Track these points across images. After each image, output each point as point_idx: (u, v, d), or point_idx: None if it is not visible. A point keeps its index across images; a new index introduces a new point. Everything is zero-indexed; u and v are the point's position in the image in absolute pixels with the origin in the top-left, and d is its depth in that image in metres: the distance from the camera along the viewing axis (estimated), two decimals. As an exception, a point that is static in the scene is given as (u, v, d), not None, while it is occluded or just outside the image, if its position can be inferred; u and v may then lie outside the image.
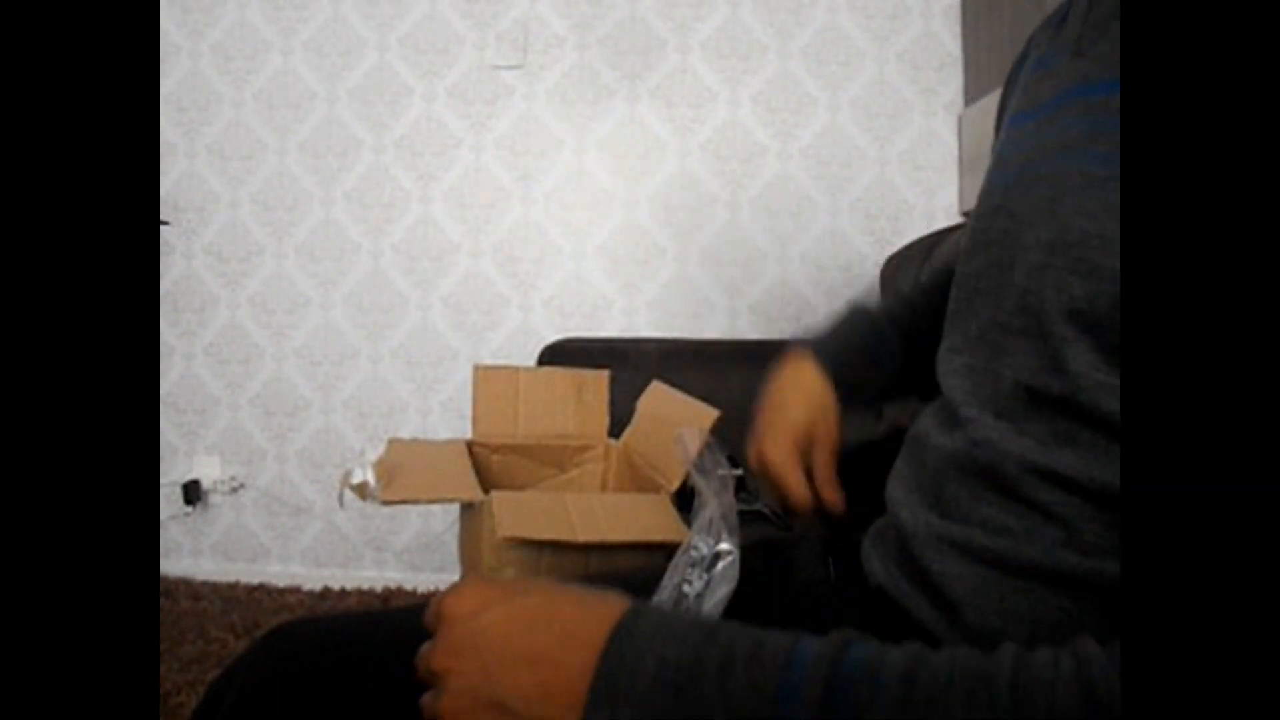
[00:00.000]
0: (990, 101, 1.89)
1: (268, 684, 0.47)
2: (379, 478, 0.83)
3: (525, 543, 0.78)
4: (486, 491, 0.86)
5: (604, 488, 1.13)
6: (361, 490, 0.83)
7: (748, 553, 0.55)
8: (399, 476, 0.85)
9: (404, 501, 0.84)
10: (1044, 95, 0.55)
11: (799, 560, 0.64)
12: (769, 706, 0.32)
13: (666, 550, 0.79)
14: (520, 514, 0.79)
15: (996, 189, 0.56)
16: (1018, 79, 0.65)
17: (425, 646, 0.41)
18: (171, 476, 2.21)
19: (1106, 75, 0.47)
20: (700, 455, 0.63)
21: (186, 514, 2.20)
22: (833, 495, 0.66)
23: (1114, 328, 0.41)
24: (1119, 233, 0.41)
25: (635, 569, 0.70)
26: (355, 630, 0.50)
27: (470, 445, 1.05)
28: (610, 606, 0.38)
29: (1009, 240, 0.51)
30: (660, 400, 1.13)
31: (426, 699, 0.40)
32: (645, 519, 0.80)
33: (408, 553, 2.19)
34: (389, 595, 2.09)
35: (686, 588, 0.51)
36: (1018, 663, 0.31)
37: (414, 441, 1.04)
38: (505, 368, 1.12)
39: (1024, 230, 0.49)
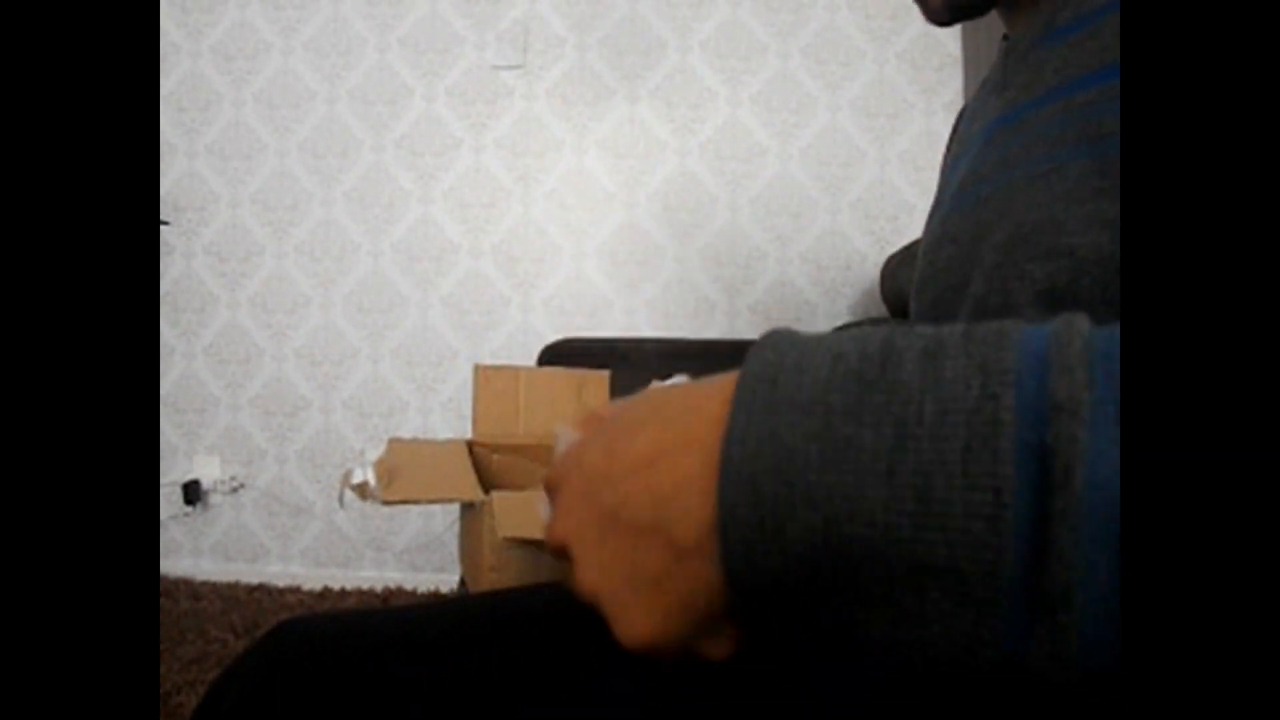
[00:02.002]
0: (990, 101, 1.89)
1: (270, 681, 0.47)
2: (379, 477, 0.83)
3: (525, 543, 0.78)
4: (486, 491, 0.86)
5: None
6: (362, 490, 0.83)
7: None
8: (399, 476, 0.84)
9: (405, 501, 0.83)
10: (973, 134, 0.58)
11: None
12: (1003, 382, 0.24)
13: None
14: (520, 514, 0.79)
15: (935, 224, 0.59)
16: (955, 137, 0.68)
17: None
18: (171, 476, 2.20)
19: (1030, 97, 0.50)
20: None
21: (186, 514, 2.20)
22: None
23: (1074, 300, 0.43)
24: (1068, 214, 0.44)
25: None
26: (359, 627, 0.50)
27: (470, 445, 1.05)
28: (727, 380, 0.29)
29: (957, 264, 0.53)
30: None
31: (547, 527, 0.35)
32: None
33: (408, 553, 2.19)
34: (389, 595, 2.09)
35: None
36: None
37: (414, 441, 1.04)
38: (506, 368, 1.12)
39: (975, 245, 0.51)
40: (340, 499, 0.89)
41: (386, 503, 0.82)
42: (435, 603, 0.55)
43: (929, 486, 0.23)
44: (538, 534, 0.78)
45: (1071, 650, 0.23)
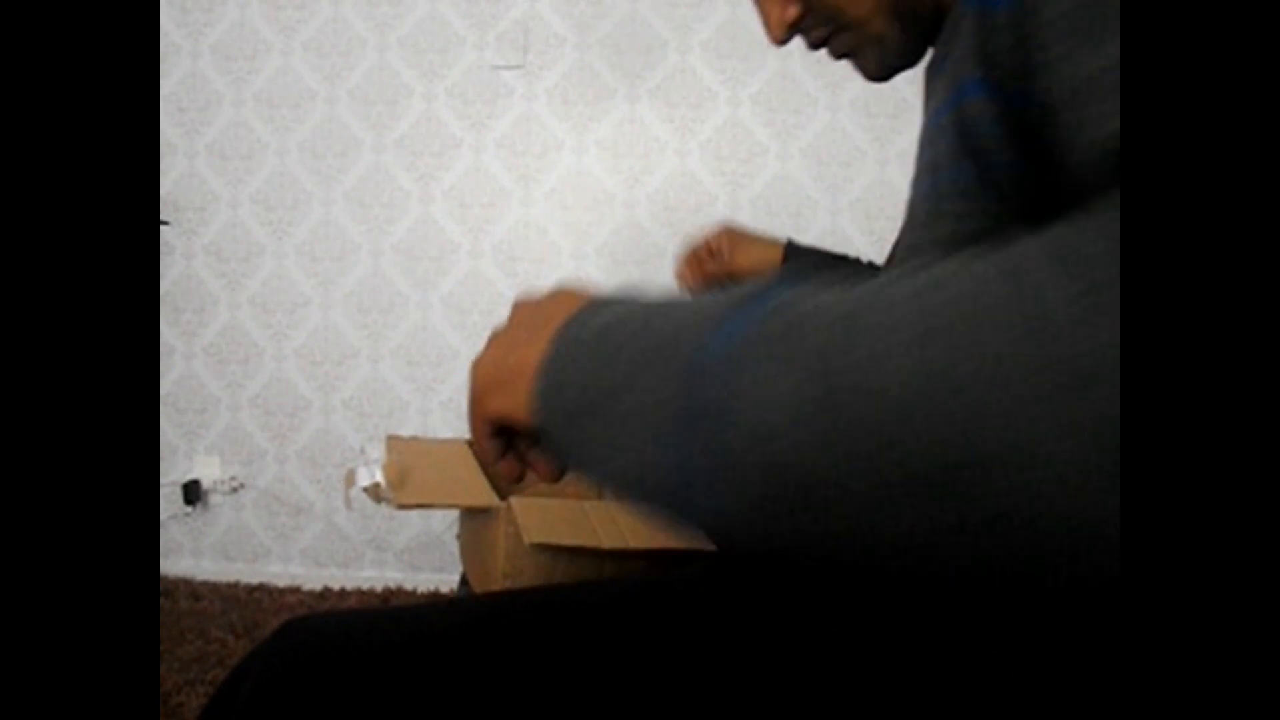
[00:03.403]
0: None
1: (279, 681, 0.46)
2: (390, 479, 0.81)
3: (548, 549, 0.76)
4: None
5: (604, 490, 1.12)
6: (375, 493, 0.81)
7: (715, 571, 0.54)
8: (411, 478, 0.83)
9: (420, 506, 0.81)
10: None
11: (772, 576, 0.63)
12: (712, 324, 0.34)
13: (681, 559, 0.78)
14: (544, 520, 0.77)
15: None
16: None
17: None
18: (171, 476, 2.20)
19: (935, 103, 0.53)
20: None
21: (186, 514, 2.20)
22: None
23: None
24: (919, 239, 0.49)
25: (647, 577, 0.69)
26: (366, 627, 0.50)
27: (468, 445, 1.04)
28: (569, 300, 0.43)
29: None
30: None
31: None
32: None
33: (407, 553, 2.19)
34: (389, 595, 2.09)
35: None
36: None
37: (414, 440, 1.02)
38: None
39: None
40: (347, 502, 0.87)
41: (401, 506, 0.79)
42: (442, 603, 0.55)
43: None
44: (564, 540, 0.76)
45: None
